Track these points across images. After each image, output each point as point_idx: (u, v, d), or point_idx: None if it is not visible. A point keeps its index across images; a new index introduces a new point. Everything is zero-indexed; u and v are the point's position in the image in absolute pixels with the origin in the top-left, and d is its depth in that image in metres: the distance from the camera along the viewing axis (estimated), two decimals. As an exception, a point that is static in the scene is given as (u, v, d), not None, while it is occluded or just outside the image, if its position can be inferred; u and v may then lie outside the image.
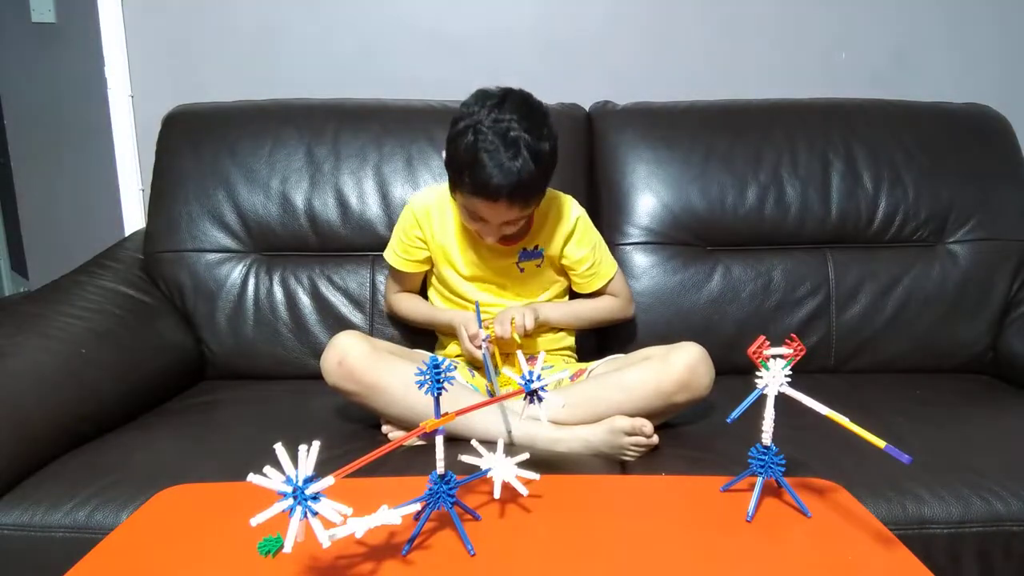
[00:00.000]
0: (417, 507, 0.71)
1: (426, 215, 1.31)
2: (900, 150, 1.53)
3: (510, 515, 0.76)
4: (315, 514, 0.59)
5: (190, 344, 1.42)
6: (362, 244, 1.48)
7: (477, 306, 1.26)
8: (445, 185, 1.26)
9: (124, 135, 1.72)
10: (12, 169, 2.36)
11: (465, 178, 1.13)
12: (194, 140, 1.51)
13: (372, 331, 1.44)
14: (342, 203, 1.48)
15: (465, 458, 0.77)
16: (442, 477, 0.71)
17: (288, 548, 0.58)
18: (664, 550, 0.71)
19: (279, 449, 0.58)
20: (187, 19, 1.69)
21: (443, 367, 0.69)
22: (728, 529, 0.74)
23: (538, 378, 0.80)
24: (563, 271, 1.35)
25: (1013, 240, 1.51)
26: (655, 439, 1.09)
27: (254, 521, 0.57)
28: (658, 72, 1.72)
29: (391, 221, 1.47)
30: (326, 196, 1.48)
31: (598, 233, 1.36)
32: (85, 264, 1.44)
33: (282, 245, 1.49)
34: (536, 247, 1.29)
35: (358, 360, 1.08)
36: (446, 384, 0.70)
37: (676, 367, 1.08)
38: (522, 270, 1.30)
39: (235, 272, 1.46)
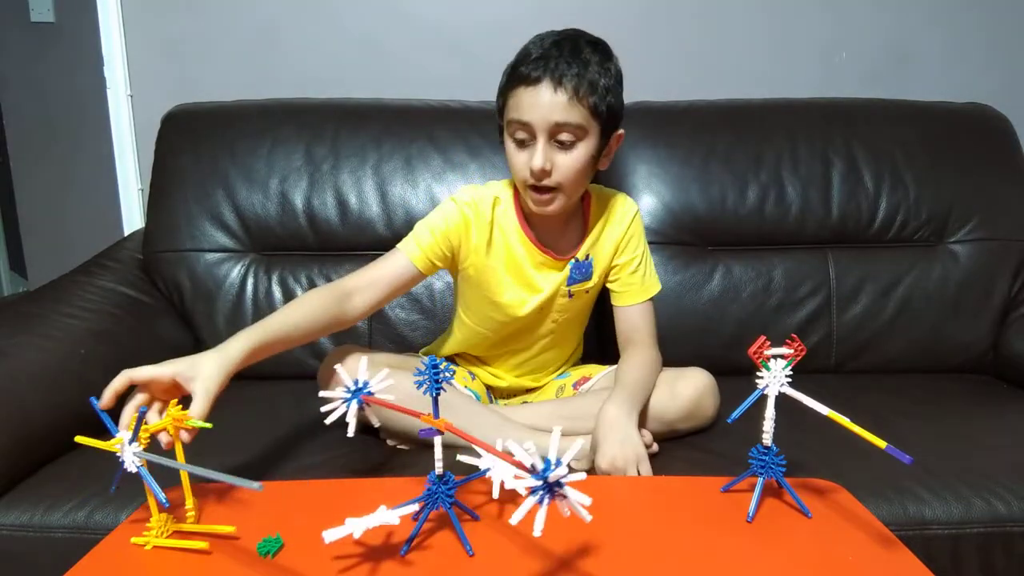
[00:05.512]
0: (415, 507, 0.71)
1: (476, 212, 1.12)
2: (901, 150, 1.52)
3: (509, 515, 0.75)
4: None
5: (189, 344, 1.42)
6: (361, 244, 1.48)
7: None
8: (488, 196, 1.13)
9: (123, 135, 1.72)
10: (11, 168, 2.35)
11: (509, 81, 1.04)
12: (193, 140, 1.51)
13: (371, 332, 1.44)
14: (341, 203, 1.48)
15: (464, 458, 0.76)
16: (440, 477, 0.71)
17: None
18: (664, 550, 0.70)
19: (339, 368, 0.77)
20: (186, 19, 1.68)
21: (441, 367, 0.69)
22: (729, 529, 0.73)
23: (558, 463, 0.55)
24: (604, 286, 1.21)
25: (1014, 240, 1.50)
26: (655, 448, 1.08)
27: (327, 537, 0.60)
28: (658, 72, 1.72)
29: (391, 221, 1.47)
30: (325, 196, 1.47)
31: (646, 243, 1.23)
32: (84, 264, 1.43)
33: (281, 245, 1.48)
34: (587, 256, 1.16)
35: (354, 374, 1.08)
36: (444, 384, 0.69)
37: (681, 399, 1.08)
38: (571, 295, 1.17)
39: (234, 272, 1.46)
